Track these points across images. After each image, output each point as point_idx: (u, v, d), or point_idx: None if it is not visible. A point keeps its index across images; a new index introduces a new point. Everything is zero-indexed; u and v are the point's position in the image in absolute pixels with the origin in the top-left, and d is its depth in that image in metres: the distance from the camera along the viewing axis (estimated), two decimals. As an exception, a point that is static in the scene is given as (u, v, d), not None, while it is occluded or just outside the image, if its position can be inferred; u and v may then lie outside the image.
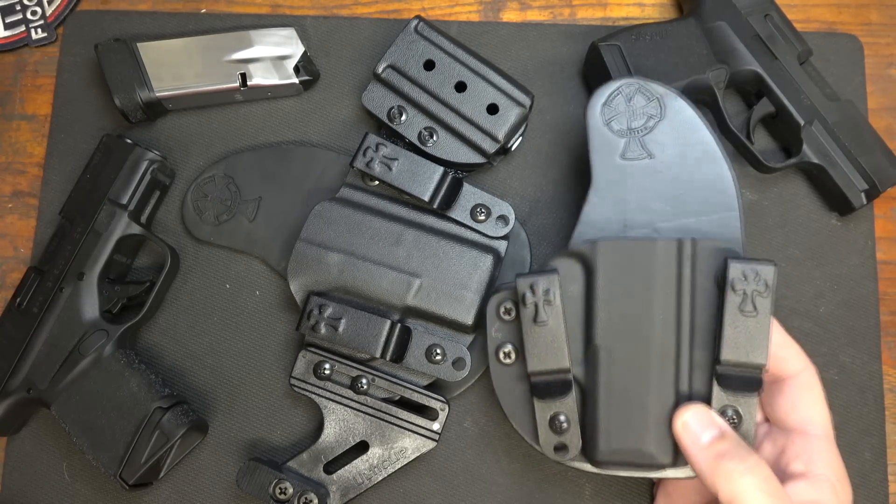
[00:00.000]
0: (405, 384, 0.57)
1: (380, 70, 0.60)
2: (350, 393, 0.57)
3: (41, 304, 0.59)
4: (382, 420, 0.57)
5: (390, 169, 0.58)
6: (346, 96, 0.66)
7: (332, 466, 0.57)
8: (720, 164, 0.53)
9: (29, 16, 0.68)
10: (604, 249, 0.51)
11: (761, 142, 0.64)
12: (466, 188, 0.59)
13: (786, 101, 0.61)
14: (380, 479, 0.57)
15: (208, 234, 0.63)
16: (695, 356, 0.49)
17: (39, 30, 0.68)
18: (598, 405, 0.50)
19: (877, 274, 0.62)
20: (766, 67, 0.61)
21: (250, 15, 0.68)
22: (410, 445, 0.57)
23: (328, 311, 0.57)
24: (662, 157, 0.54)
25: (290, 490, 0.55)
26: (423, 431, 0.57)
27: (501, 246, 0.59)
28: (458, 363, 0.57)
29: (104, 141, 0.61)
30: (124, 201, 0.60)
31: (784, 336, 0.51)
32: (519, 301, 0.51)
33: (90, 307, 0.59)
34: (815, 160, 0.61)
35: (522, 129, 0.61)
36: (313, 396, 0.58)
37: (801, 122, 0.60)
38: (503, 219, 0.59)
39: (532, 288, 0.50)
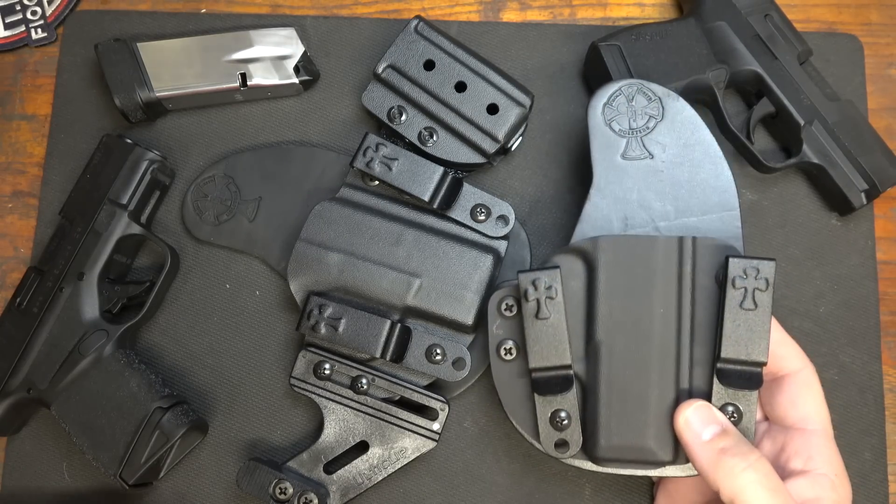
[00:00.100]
0: (405, 384, 0.57)
1: (380, 70, 0.60)
2: (350, 393, 0.57)
3: (41, 304, 0.59)
4: (382, 420, 0.57)
5: (390, 169, 0.58)
6: (346, 96, 0.66)
7: (332, 466, 0.57)
8: (720, 165, 0.54)
9: (29, 16, 0.68)
10: (605, 245, 0.51)
11: (761, 142, 0.64)
12: (466, 188, 0.59)
13: (786, 101, 0.61)
14: (380, 479, 0.57)
15: (208, 234, 0.63)
16: (695, 353, 0.50)
17: (39, 30, 0.68)
18: (599, 401, 0.50)
19: (877, 274, 0.62)
20: (766, 67, 0.61)
21: (250, 15, 0.68)
22: (410, 445, 0.57)
23: (328, 311, 0.57)
24: (663, 157, 0.54)
25: (290, 490, 0.55)
26: (423, 431, 0.57)
27: (501, 246, 0.59)
28: (458, 363, 0.57)
29: (104, 141, 0.61)
30: (124, 201, 0.60)
31: (783, 334, 0.52)
32: (521, 297, 0.51)
33: (90, 307, 0.59)
34: (815, 160, 0.61)
35: (522, 129, 0.61)
36: (313, 396, 0.57)
37: (801, 122, 0.60)
38: (503, 219, 0.59)
39: (534, 283, 0.51)
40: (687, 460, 0.49)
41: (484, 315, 0.56)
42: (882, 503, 0.59)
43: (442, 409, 0.57)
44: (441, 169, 0.58)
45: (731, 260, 0.48)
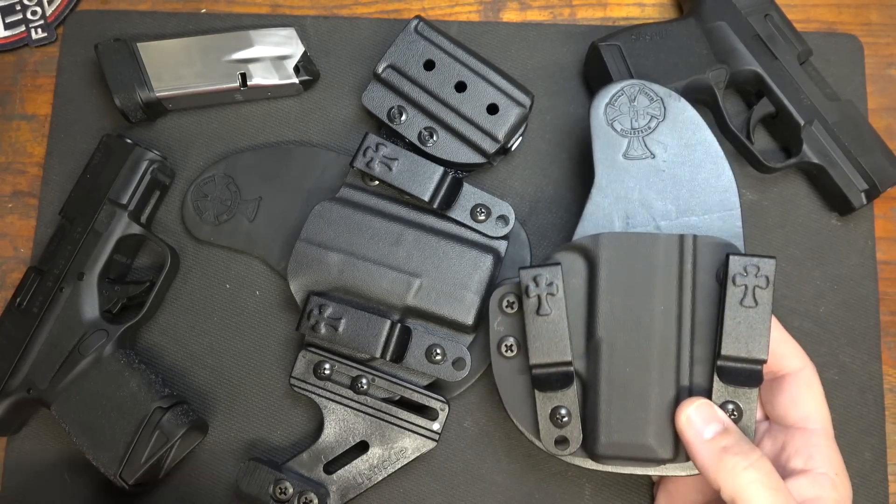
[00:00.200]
0: (405, 384, 0.57)
1: (380, 70, 0.60)
2: (350, 393, 0.57)
3: (41, 304, 0.59)
4: (382, 420, 0.57)
5: (390, 169, 0.58)
6: (346, 96, 0.66)
7: (332, 466, 0.57)
8: (721, 164, 0.54)
9: (29, 16, 0.68)
10: (606, 243, 0.51)
11: (761, 142, 0.65)
12: (466, 188, 0.59)
13: (786, 101, 0.61)
14: (380, 479, 0.57)
15: (208, 234, 0.63)
16: (696, 350, 0.50)
17: (39, 30, 0.68)
18: (600, 398, 0.50)
19: (877, 274, 0.62)
20: (766, 67, 0.61)
21: (250, 15, 0.68)
22: (410, 445, 0.57)
23: (328, 311, 0.57)
24: (664, 157, 0.54)
25: (290, 490, 0.55)
26: (423, 431, 0.57)
27: (501, 246, 0.59)
28: (458, 363, 0.57)
29: (104, 141, 0.61)
30: (124, 201, 0.60)
31: (783, 333, 0.52)
32: (522, 293, 0.51)
33: (90, 307, 0.59)
34: (815, 160, 0.61)
35: (522, 129, 0.61)
36: (313, 396, 0.57)
37: (801, 122, 0.60)
38: (503, 219, 0.59)
39: (535, 280, 0.51)
40: (687, 458, 0.49)
41: (484, 315, 0.56)
42: (882, 503, 0.59)
43: (442, 409, 0.57)
44: (441, 169, 0.58)
45: (731, 257, 0.48)
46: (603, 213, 0.54)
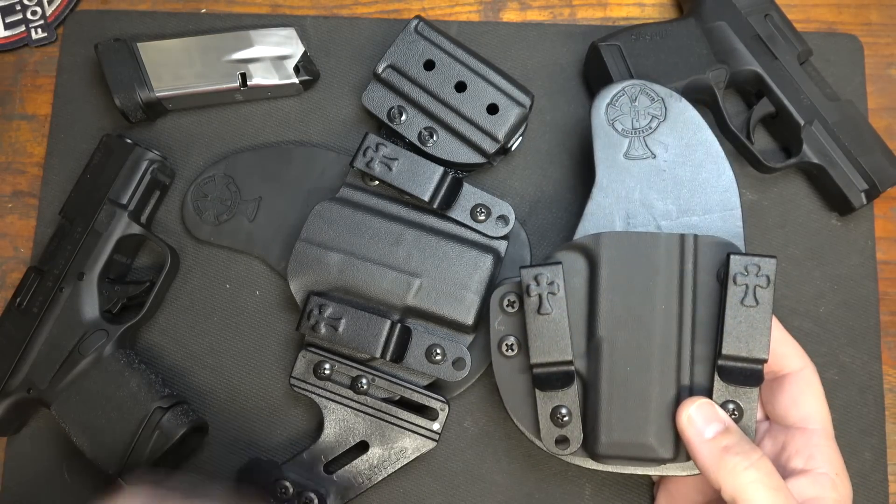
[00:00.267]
0: (405, 384, 0.57)
1: (380, 70, 0.60)
2: (350, 393, 0.57)
3: (41, 304, 0.58)
4: (382, 420, 0.57)
5: (390, 169, 0.58)
6: (346, 96, 0.66)
7: (332, 466, 0.57)
8: (722, 164, 0.54)
9: (29, 16, 0.68)
10: (607, 242, 0.51)
11: (761, 142, 0.65)
12: (466, 188, 0.59)
13: (786, 101, 0.61)
14: (380, 479, 0.57)
15: (208, 234, 0.63)
16: (696, 350, 0.50)
17: (39, 30, 0.68)
18: (600, 397, 0.50)
19: (877, 274, 0.62)
20: (766, 67, 0.61)
21: (250, 15, 0.68)
22: (410, 445, 0.57)
23: (328, 311, 0.57)
24: (665, 157, 0.55)
25: (290, 490, 0.55)
26: (423, 431, 0.57)
27: (501, 246, 0.59)
28: (458, 363, 0.57)
29: (104, 141, 0.61)
30: (124, 201, 0.60)
31: (784, 333, 0.52)
32: (523, 292, 0.51)
33: (90, 307, 0.59)
34: (815, 160, 0.61)
35: (522, 129, 0.61)
36: (313, 396, 0.57)
37: (801, 122, 0.60)
38: (503, 219, 0.59)
39: (536, 279, 0.51)
40: (687, 458, 0.49)
41: (484, 315, 0.56)
42: (882, 503, 0.59)
43: (442, 409, 0.57)
44: (441, 169, 0.58)
45: (732, 257, 0.48)
46: (604, 213, 0.54)
